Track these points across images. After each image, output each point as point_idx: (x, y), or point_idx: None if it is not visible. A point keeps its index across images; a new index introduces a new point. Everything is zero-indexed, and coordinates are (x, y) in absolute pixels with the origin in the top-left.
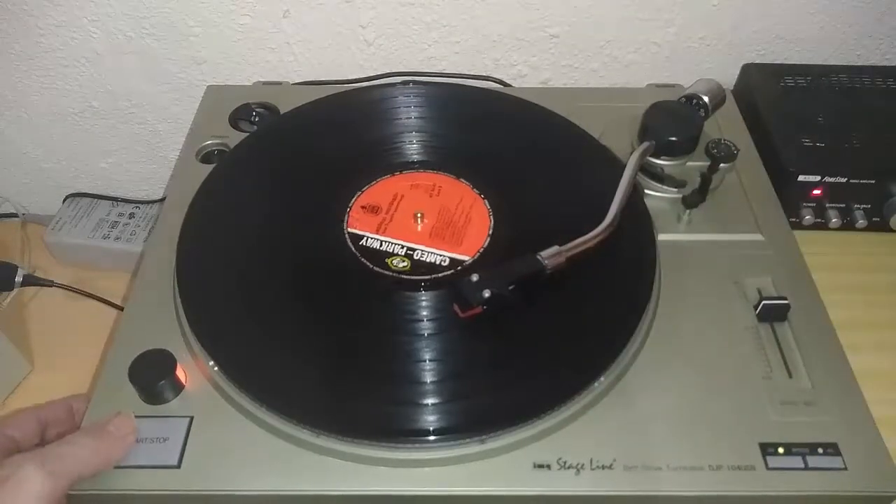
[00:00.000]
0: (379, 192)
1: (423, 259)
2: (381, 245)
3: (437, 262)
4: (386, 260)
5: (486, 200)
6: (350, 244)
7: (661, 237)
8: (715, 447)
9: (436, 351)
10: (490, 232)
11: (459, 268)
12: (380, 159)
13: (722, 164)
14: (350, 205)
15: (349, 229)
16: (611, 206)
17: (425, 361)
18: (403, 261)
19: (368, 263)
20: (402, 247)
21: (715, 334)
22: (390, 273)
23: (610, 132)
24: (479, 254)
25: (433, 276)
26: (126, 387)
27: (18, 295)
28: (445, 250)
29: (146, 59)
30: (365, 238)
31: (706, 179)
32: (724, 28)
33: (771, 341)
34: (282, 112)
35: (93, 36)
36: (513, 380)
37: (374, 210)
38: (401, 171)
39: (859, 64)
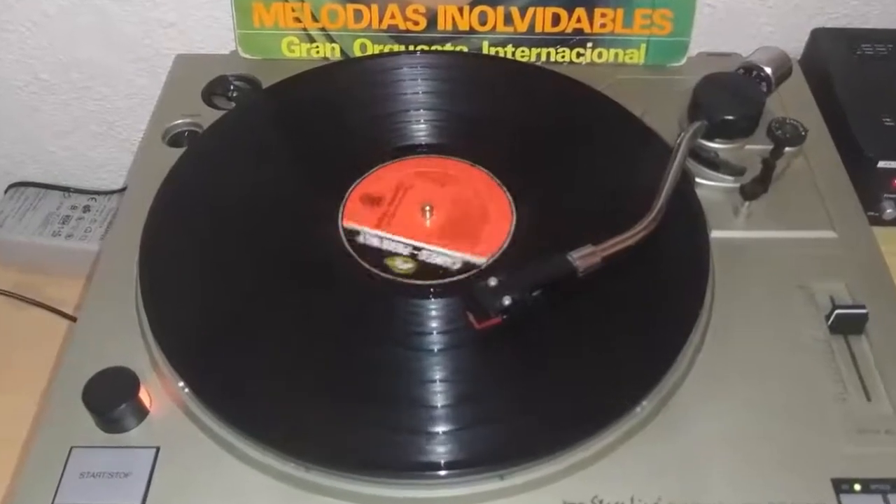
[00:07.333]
0: (380, 180)
1: (431, 261)
2: (381, 243)
3: (447, 265)
4: (386, 261)
5: (507, 191)
6: (345, 242)
7: (714, 234)
8: (778, 483)
9: (446, 369)
10: (511, 228)
11: (474, 271)
12: (381, 142)
13: (787, 148)
14: (346, 195)
15: (344, 224)
16: (655, 198)
17: (434, 382)
18: (407, 262)
19: (366, 265)
20: (407, 245)
21: (778, 349)
22: (392, 276)
23: (654, 110)
24: (497, 254)
25: (442, 280)
26: (80, 412)
27: None
28: (458, 250)
29: (104, 21)
30: (363, 234)
31: (769, 166)
32: None
33: (845, 357)
34: (264, 86)
35: None
36: (538, 404)
37: (374, 201)
38: (406, 156)
39: None
